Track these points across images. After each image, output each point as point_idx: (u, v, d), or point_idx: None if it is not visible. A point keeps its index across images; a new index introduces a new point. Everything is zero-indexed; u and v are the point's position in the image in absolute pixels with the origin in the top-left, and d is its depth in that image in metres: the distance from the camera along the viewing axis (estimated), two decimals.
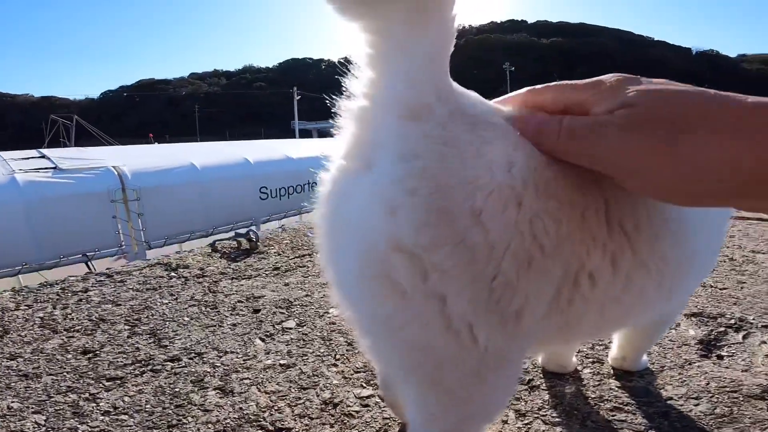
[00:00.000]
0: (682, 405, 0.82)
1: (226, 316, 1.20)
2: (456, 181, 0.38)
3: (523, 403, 0.84)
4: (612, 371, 0.92)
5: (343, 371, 0.94)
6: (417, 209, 0.38)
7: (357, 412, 0.81)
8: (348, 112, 0.44)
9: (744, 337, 1.06)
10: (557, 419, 0.80)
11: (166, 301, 1.30)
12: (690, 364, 0.95)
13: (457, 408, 0.46)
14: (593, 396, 0.85)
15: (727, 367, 0.94)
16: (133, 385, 0.88)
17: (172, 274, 1.53)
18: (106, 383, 0.89)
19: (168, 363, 0.96)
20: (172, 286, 1.42)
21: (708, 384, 0.88)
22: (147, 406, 0.81)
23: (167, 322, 1.16)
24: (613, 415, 0.79)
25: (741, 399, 0.82)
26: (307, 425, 0.77)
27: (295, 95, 26.85)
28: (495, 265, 0.39)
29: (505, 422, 0.79)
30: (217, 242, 1.88)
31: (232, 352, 1.01)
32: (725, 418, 0.77)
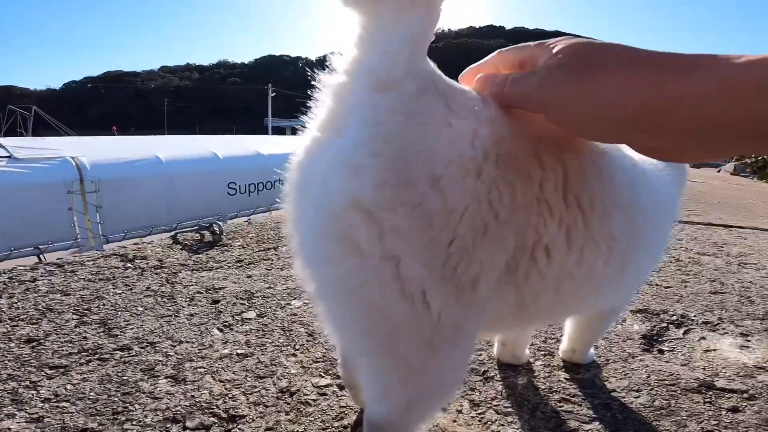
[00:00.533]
0: (624, 397, 0.85)
1: (183, 307, 1.16)
2: (417, 149, 0.40)
3: (477, 393, 0.86)
4: (562, 363, 0.96)
5: (302, 361, 0.93)
6: (378, 170, 0.40)
7: (314, 400, 0.81)
8: (328, 86, 0.46)
9: (684, 333, 1.12)
10: (509, 409, 0.82)
11: (120, 292, 1.25)
12: (633, 357, 1.00)
13: (412, 380, 0.47)
14: (543, 387, 0.88)
15: (667, 361, 0.99)
16: (77, 374, 0.84)
17: (128, 264, 1.48)
18: (49, 371, 0.85)
19: (117, 352, 0.93)
20: (127, 277, 1.37)
21: (648, 377, 0.92)
22: (91, 394, 0.78)
23: (119, 312, 1.12)
24: (560, 406, 0.82)
25: (679, 392, 0.87)
26: (261, 413, 0.76)
27: (269, 92, 26.43)
28: (452, 229, 0.41)
29: (459, 412, 0.81)
30: (178, 234, 1.83)
31: (187, 342, 0.98)
32: (663, 410, 0.82)
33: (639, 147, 0.40)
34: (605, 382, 0.91)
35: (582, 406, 0.83)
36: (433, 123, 0.41)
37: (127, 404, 0.75)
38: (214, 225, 1.82)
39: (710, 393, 0.87)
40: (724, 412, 0.81)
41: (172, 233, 1.84)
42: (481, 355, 0.99)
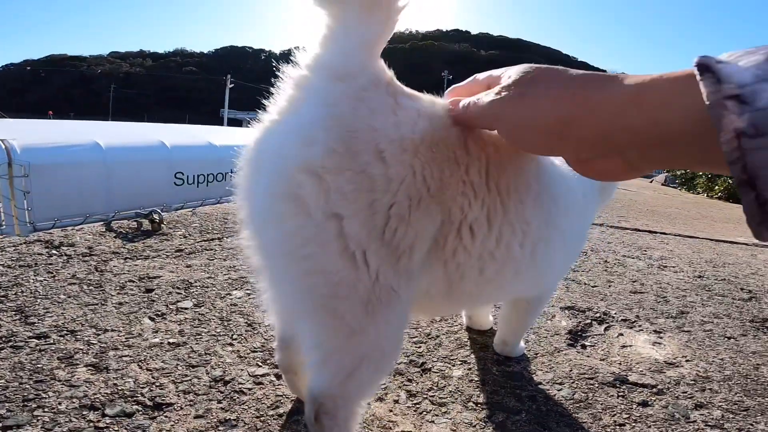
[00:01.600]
0: (548, 390, 0.90)
1: (112, 295, 1.09)
2: (364, 127, 0.47)
3: (414, 384, 0.87)
4: (496, 357, 1.00)
5: (238, 350, 0.90)
6: (328, 141, 0.46)
7: (249, 389, 0.79)
8: (290, 78, 0.52)
9: (605, 329, 1.21)
10: (444, 400, 0.84)
11: (41, 279, 1.15)
12: (559, 351, 1.06)
13: (351, 342, 0.50)
14: (477, 379, 0.91)
15: (588, 356, 1.05)
16: None
17: (53, 251, 1.37)
18: None
19: (33, 340, 0.86)
20: (51, 264, 1.27)
21: (571, 371, 0.97)
22: (0, 381, 0.71)
23: (39, 300, 1.03)
24: (491, 398, 0.85)
25: (596, 386, 0.93)
26: (191, 401, 0.73)
27: (228, 82, 25.48)
28: (391, 195, 0.47)
29: (396, 402, 0.82)
30: (113, 222, 1.72)
31: (112, 330, 0.92)
32: (582, 403, 0.86)
33: (572, 160, 0.45)
34: (533, 375, 0.95)
35: (511, 397, 0.86)
36: (381, 109, 0.48)
37: (40, 391, 0.69)
38: (153, 213, 1.72)
39: (624, 387, 0.93)
40: (635, 406, 0.86)
41: (107, 221, 1.73)
42: (420, 347, 1.01)
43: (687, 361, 1.07)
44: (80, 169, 4.28)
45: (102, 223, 1.72)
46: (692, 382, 0.97)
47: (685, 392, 0.93)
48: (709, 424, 0.82)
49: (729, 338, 1.22)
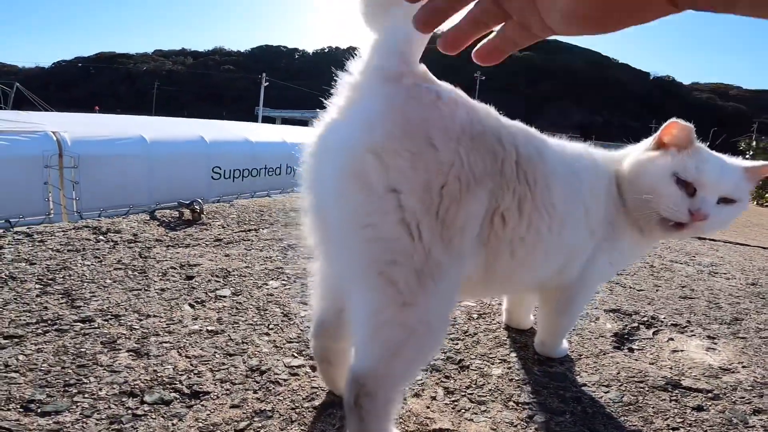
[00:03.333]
0: (594, 392, 0.84)
1: (155, 281, 1.10)
2: (416, 117, 0.55)
3: (452, 381, 0.83)
4: (537, 357, 0.94)
5: (275, 340, 0.88)
6: (388, 127, 0.54)
7: (285, 380, 0.77)
8: (345, 83, 0.59)
9: (654, 334, 1.12)
10: (483, 398, 0.79)
11: (89, 263, 1.18)
12: (604, 354, 0.99)
13: (402, 315, 0.54)
14: (517, 378, 0.86)
15: (636, 359, 0.98)
16: (32, 344, 0.78)
17: (101, 237, 1.40)
18: (2, 341, 0.78)
19: (78, 324, 0.86)
20: (98, 249, 1.29)
21: (618, 373, 0.91)
22: (43, 365, 0.72)
23: (85, 284, 1.05)
24: (533, 398, 0.81)
25: (646, 389, 0.86)
26: (228, 390, 0.72)
27: (263, 81, 25.97)
28: (443, 176, 0.54)
29: (433, 398, 0.78)
30: (157, 211, 1.75)
31: (154, 316, 0.92)
32: (631, 406, 0.81)
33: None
34: (577, 377, 0.89)
35: (554, 398, 0.81)
36: (427, 104, 0.56)
37: (81, 377, 0.69)
38: (194, 203, 1.74)
39: (676, 391, 0.87)
40: (689, 411, 0.81)
41: (150, 210, 1.76)
42: (457, 344, 0.96)
43: (744, 367, 0.99)
44: (126, 161, 4.45)
45: (146, 212, 1.75)
46: (750, 387, 0.91)
47: (743, 398, 0.87)
48: None
49: None
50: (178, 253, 1.33)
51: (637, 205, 0.80)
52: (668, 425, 0.76)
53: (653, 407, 0.81)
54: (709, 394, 0.87)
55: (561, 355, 0.95)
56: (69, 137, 4.65)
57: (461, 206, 0.55)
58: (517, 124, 0.69)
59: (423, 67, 0.59)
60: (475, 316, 1.11)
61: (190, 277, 1.15)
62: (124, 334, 0.84)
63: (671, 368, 0.96)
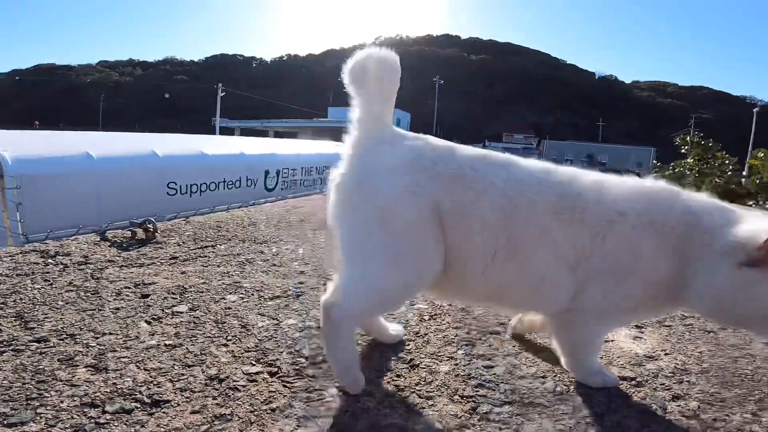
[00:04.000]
0: (531, 383, 0.93)
1: (109, 301, 1.13)
2: (443, 170, 0.86)
3: (402, 380, 0.92)
4: (482, 353, 1.04)
5: (233, 351, 0.95)
6: (423, 174, 0.84)
7: (243, 386, 0.83)
8: (358, 141, 0.90)
9: None
10: (431, 393, 0.88)
11: (39, 286, 1.19)
12: (544, 348, 1.08)
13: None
14: (463, 374, 0.95)
15: None
16: None
17: (50, 261, 1.40)
18: None
19: (33, 343, 0.89)
20: (47, 273, 1.30)
21: (554, 365, 1.00)
22: (4, 382, 0.75)
23: (37, 306, 1.07)
24: (476, 391, 0.90)
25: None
26: (188, 398, 0.77)
27: (219, 91, 25.50)
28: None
29: (386, 396, 0.86)
30: (108, 232, 1.76)
31: (111, 334, 0.96)
32: (563, 395, 0.89)
33: None
34: (517, 370, 0.99)
35: (495, 391, 0.90)
36: (442, 161, 0.87)
37: (42, 391, 0.73)
38: (147, 222, 1.76)
39: None
40: (613, 398, 0.90)
41: (101, 231, 1.76)
42: (409, 345, 1.05)
43: (666, 354, 1.10)
44: (73, 179, 4.29)
45: (96, 233, 1.75)
46: (670, 374, 1.00)
47: (663, 384, 0.96)
48: (686, 414, 0.85)
49: (709, 332, 1.26)
50: (131, 272, 1.36)
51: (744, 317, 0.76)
52: (595, 412, 0.84)
53: (583, 395, 0.90)
54: (633, 382, 0.96)
55: (597, 384, 0.93)
56: (9, 156, 4.45)
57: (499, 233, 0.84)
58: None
59: (395, 130, 0.92)
60: (426, 317, 1.21)
61: (145, 296, 1.19)
62: (80, 351, 0.88)
63: (602, 358, 1.06)
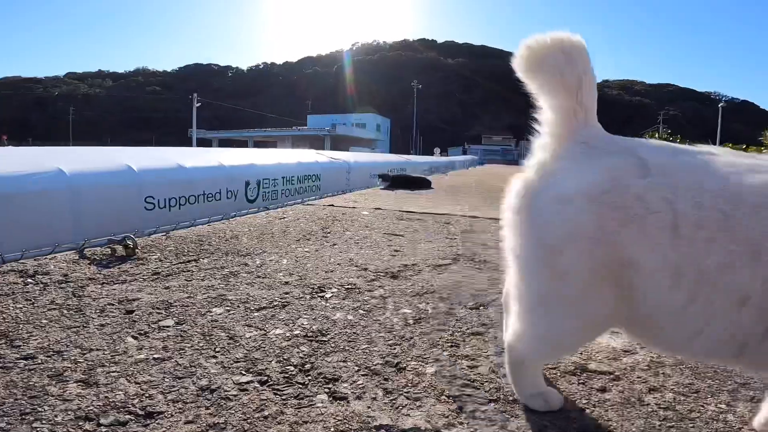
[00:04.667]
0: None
1: (93, 318, 1.15)
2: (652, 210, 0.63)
3: (390, 383, 0.96)
4: (466, 353, 1.09)
5: (222, 362, 0.98)
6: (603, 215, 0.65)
7: (235, 395, 0.86)
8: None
9: None
10: (418, 395, 0.92)
11: (20, 306, 1.20)
12: None
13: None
14: (449, 375, 1.00)
15: None
16: None
17: (29, 280, 1.41)
18: None
19: (21, 361, 0.91)
20: (27, 292, 1.31)
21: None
22: None
23: (21, 325, 1.08)
24: (462, 391, 0.94)
25: (559, 375, 1.01)
26: (181, 408, 0.80)
27: (194, 102, 25.30)
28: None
29: (374, 399, 0.90)
30: (86, 249, 1.76)
31: (98, 350, 0.99)
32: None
33: None
34: (501, 368, 1.03)
35: (480, 390, 0.95)
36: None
37: (35, 406, 0.76)
38: (126, 239, 1.77)
39: (584, 375, 1.02)
40: (594, 392, 0.95)
41: (79, 248, 1.77)
42: (395, 349, 1.10)
43: (641, 348, 1.15)
44: (45, 197, 4.22)
45: (74, 251, 1.76)
46: (646, 367, 1.05)
47: (640, 377, 1.01)
48: (662, 406, 0.90)
49: None
50: (114, 289, 1.37)
51: None
52: (576, 407, 0.89)
53: (564, 390, 0.95)
54: (611, 376, 1.01)
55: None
56: None
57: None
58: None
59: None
60: (411, 322, 1.26)
61: (129, 312, 1.21)
62: (69, 367, 0.90)
63: (581, 353, 1.12)
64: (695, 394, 0.95)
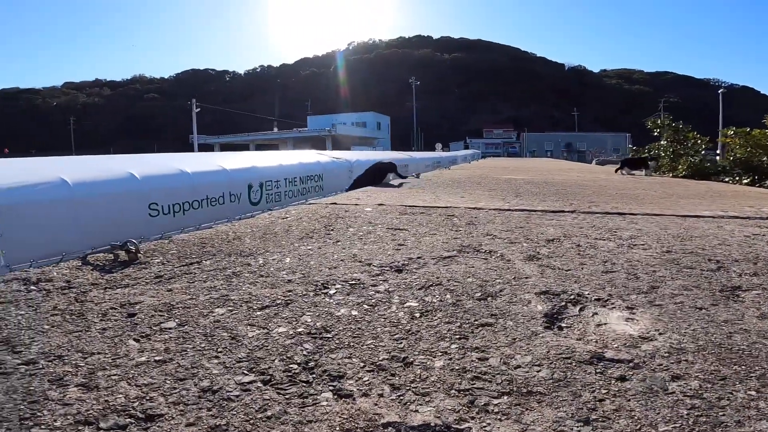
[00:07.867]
0: (527, 372, 0.96)
1: (95, 322, 1.15)
2: None
3: (397, 378, 0.94)
4: (475, 345, 1.07)
5: (224, 362, 0.97)
6: None
7: (237, 396, 0.85)
8: None
9: (580, 310, 1.30)
10: (426, 390, 0.91)
11: (23, 312, 1.20)
12: (536, 335, 1.13)
13: None
14: (458, 368, 0.98)
15: (565, 337, 1.12)
16: None
17: (32, 287, 1.41)
18: None
19: (22, 366, 0.91)
20: (30, 299, 1.31)
21: (548, 352, 1.04)
22: None
23: (23, 331, 1.08)
24: (472, 384, 0.92)
25: (574, 365, 0.99)
26: (182, 411, 0.79)
27: (193, 107, 25.44)
28: None
29: (381, 396, 0.88)
30: (89, 255, 1.76)
31: (99, 353, 0.98)
32: (561, 382, 0.92)
33: None
34: (512, 360, 1.02)
35: (492, 382, 0.93)
36: None
37: (35, 411, 0.75)
38: (128, 244, 1.77)
39: (601, 364, 0.99)
40: (613, 381, 0.92)
41: (82, 255, 1.77)
42: (401, 343, 1.08)
43: (660, 334, 1.12)
44: (50, 207, 4.26)
45: (78, 258, 1.76)
46: (667, 354, 1.02)
47: (661, 365, 0.97)
48: (688, 395, 0.86)
49: (700, 309, 1.30)
50: (116, 293, 1.37)
51: None
52: (595, 397, 0.86)
53: (581, 381, 0.92)
54: (630, 364, 0.98)
55: None
56: None
57: None
58: None
59: None
60: (417, 315, 1.24)
61: (132, 315, 1.20)
62: (70, 371, 0.90)
63: (596, 342, 1.10)
64: (722, 381, 0.91)
